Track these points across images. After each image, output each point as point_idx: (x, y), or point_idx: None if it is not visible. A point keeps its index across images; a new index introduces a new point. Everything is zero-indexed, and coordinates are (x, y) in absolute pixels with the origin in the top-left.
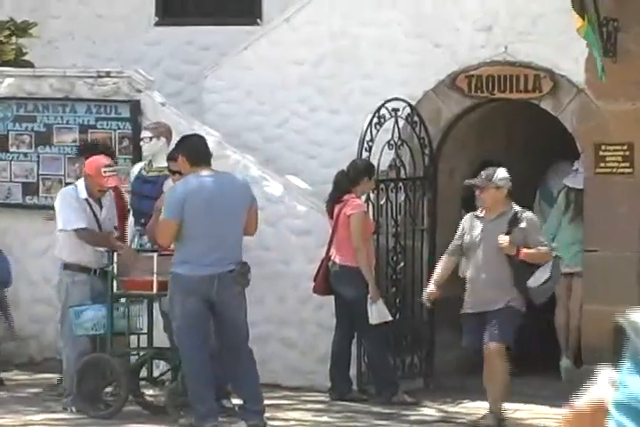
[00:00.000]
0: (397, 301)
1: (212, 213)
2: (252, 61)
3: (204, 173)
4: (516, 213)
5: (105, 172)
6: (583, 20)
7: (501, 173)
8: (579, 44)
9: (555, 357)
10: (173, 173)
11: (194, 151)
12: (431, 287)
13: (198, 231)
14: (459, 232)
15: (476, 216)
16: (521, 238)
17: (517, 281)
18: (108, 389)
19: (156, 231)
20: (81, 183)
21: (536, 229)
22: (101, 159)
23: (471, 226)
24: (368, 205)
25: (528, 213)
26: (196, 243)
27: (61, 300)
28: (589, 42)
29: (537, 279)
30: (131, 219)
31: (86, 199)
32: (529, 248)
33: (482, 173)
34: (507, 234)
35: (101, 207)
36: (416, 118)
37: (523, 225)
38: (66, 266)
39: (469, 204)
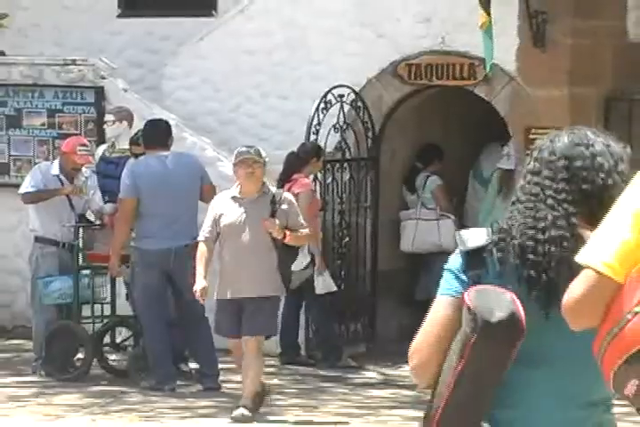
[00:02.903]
0: (342, 273)
1: (166, 191)
2: (208, 51)
3: (159, 153)
4: (275, 194)
5: (79, 150)
6: (488, 15)
7: (262, 150)
8: (510, 34)
9: None
10: (136, 156)
11: (148, 134)
12: (202, 284)
13: (154, 209)
14: (212, 218)
15: (233, 197)
16: (284, 220)
17: (281, 265)
18: (78, 355)
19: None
20: (57, 161)
21: (297, 211)
22: (79, 139)
23: (228, 208)
24: (316, 184)
25: (287, 194)
26: (152, 219)
27: (32, 271)
28: (486, 37)
29: (299, 263)
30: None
31: (57, 176)
32: (290, 230)
33: (245, 149)
34: (271, 216)
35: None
36: (360, 104)
37: (284, 207)
38: (37, 239)
39: (411, 182)
